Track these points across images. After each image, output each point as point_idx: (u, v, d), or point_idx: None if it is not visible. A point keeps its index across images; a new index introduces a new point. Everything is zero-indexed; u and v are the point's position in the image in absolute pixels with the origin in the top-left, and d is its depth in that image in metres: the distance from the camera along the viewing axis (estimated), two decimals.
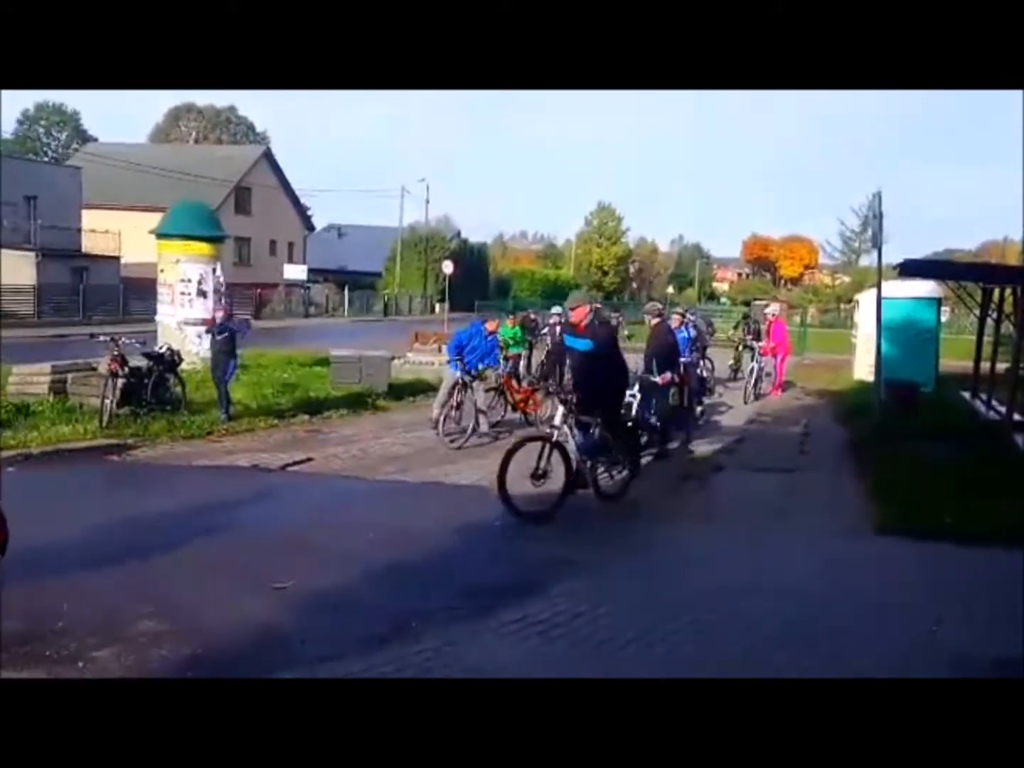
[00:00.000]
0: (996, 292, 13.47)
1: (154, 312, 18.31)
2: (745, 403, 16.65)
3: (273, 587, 5.88)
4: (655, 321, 11.43)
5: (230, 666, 4.71)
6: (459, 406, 11.94)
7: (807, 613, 5.88)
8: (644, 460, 10.53)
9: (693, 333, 14.35)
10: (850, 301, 59.62)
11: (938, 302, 19.12)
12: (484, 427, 11.96)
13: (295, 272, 50.39)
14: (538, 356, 19.10)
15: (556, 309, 18.44)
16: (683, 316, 13.33)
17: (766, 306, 24.16)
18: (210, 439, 11.27)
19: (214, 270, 17.23)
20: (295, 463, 10.05)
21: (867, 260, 72.60)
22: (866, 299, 20.31)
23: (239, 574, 6.25)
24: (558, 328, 17.20)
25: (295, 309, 47.49)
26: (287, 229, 54.80)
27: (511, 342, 15.97)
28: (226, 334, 12.25)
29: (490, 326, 12.45)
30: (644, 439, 11.10)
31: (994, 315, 13.33)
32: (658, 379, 10.88)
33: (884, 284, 15.01)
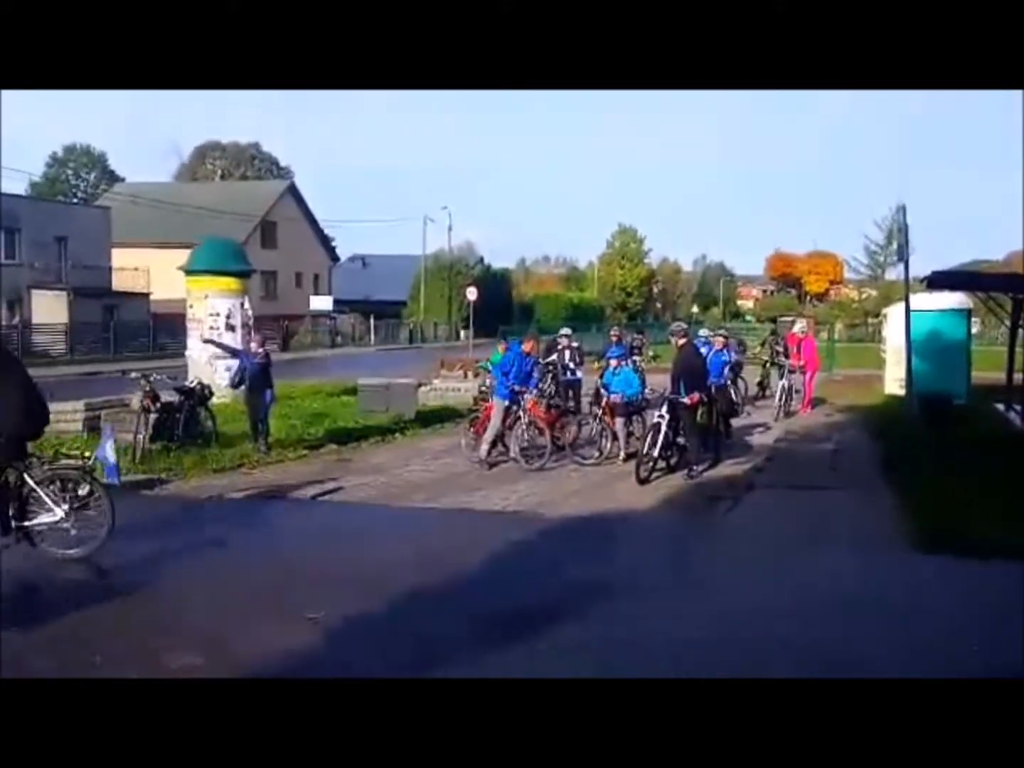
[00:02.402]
0: None
1: (184, 347, 18.55)
2: (775, 421, 16.52)
3: (306, 617, 5.90)
4: (681, 341, 11.38)
5: None
6: (510, 431, 11.83)
7: (844, 634, 5.77)
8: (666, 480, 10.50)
9: (734, 357, 14.29)
10: (878, 315, 59.20)
11: (968, 313, 18.92)
12: (514, 449, 11.77)
13: (321, 303, 50.96)
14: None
15: (565, 330, 17.52)
16: (726, 339, 13.26)
17: (792, 323, 23.98)
18: (241, 471, 11.35)
19: (242, 304, 17.45)
20: (325, 493, 10.10)
21: (893, 273, 71.91)
22: (894, 313, 20.13)
23: (272, 605, 6.27)
24: (567, 352, 16.11)
25: (322, 340, 47.90)
26: (312, 261, 55.44)
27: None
28: (258, 366, 12.32)
29: (526, 346, 12.32)
30: (675, 458, 11.05)
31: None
32: (686, 400, 10.82)
33: (912, 297, 14.88)
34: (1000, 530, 7.61)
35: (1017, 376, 14.43)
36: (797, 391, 18.19)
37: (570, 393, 16.06)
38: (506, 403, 11.85)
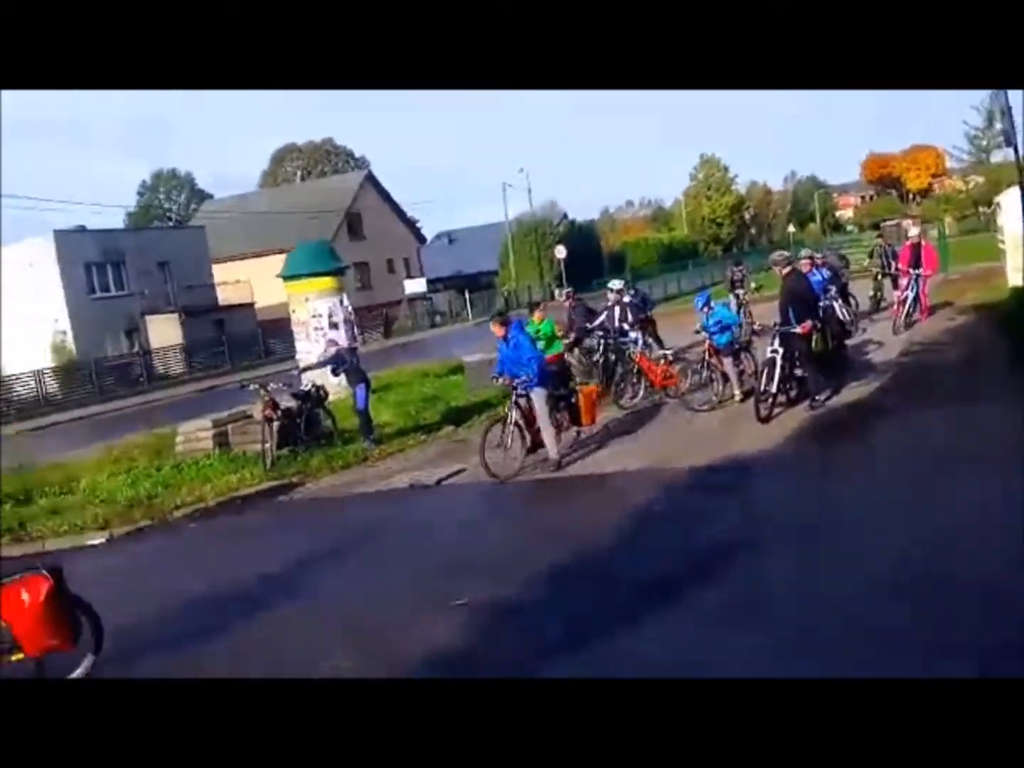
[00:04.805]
0: None
1: (292, 349, 19.11)
2: (894, 334, 15.79)
3: (453, 604, 6.01)
4: (785, 270, 10.96)
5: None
6: (506, 424, 9.92)
7: (1006, 572, 5.44)
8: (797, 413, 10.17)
9: (827, 274, 13.74)
10: (989, 204, 55.63)
11: None
12: (552, 452, 9.86)
13: (415, 286, 51.65)
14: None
15: (614, 283, 14.96)
16: (812, 259, 12.72)
17: (903, 224, 22.74)
18: (366, 465, 11.66)
19: (341, 301, 17.81)
20: (449, 476, 10.25)
21: (999, 156, 67.51)
22: (1008, 200, 18.86)
23: (418, 594, 6.42)
24: (616, 309, 14.06)
25: (421, 322, 48.58)
26: (400, 245, 56.11)
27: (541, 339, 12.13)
28: (343, 366, 12.57)
29: (495, 329, 10.26)
30: (794, 391, 10.73)
31: None
32: (798, 329, 10.45)
33: None
34: None
35: None
36: (916, 299, 17.29)
37: (620, 360, 13.40)
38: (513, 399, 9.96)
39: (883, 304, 19.08)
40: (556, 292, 51.50)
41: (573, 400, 10.50)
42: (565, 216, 64.88)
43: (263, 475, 11.30)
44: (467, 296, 52.14)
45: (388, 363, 23.60)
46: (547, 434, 9.91)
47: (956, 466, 7.50)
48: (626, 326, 13.85)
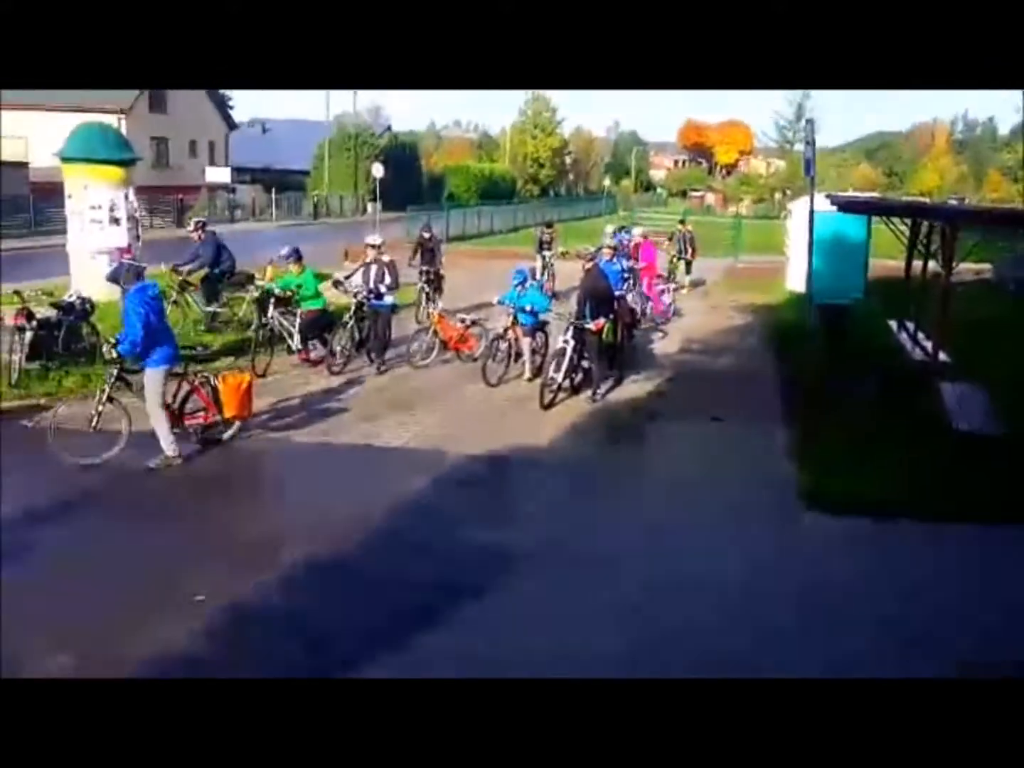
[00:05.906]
0: (924, 226, 13.43)
1: (66, 226, 17.21)
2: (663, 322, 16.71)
3: (195, 599, 5.71)
4: (588, 264, 11.16)
5: None
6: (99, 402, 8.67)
7: (723, 611, 5.81)
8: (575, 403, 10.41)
9: (627, 264, 14.12)
10: (785, 193, 59.58)
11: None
12: (168, 449, 8.36)
13: (218, 174, 48.29)
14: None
15: (372, 238, 12.68)
16: (614, 249, 12.97)
17: (707, 196, 24.06)
18: (131, 393, 10.77)
19: (126, 195, 16.22)
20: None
21: (801, 147, 72.17)
22: (798, 209, 20.24)
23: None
24: (373, 268, 12.14)
25: (220, 214, 45.63)
26: (207, 127, 52.06)
27: (297, 293, 11.99)
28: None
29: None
30: (579, 379, 11.02)
31: (922, 250, 13.33)
32: (592, 326, 10.70)
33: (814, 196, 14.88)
34: (880, 486, 7.61)
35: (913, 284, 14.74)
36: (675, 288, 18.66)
37: (374, 327, 12.18)
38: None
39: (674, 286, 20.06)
40: (369, 207, 50.00)
41: (214, 384, 8.80)
42: (389, 128, 62.81)
43: (7, 392, 10.23)
44: (274, 194, 49.49)
45: (173, 257, 21.86)
46: (156, 425, 8.28)
47: (698, 486, 8.13)
48: (382, 287, 12.11)
